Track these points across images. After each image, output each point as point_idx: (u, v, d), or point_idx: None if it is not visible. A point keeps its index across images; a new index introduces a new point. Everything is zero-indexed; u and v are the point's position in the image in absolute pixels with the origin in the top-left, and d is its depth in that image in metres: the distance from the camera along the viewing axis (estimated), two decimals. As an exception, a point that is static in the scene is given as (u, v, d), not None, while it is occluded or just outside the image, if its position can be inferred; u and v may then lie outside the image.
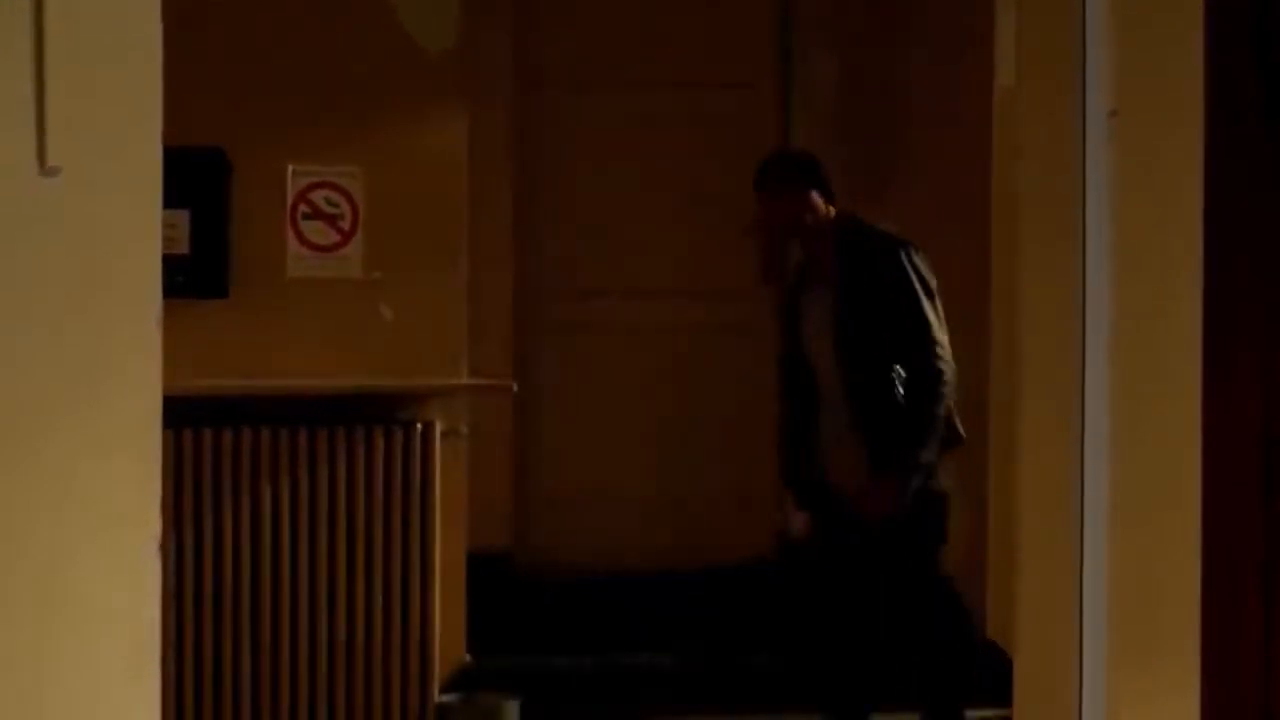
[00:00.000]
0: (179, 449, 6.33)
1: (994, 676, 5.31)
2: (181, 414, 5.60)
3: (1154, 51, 3.75)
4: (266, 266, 6.59)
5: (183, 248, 6.42)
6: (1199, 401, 3.70)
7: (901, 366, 5.94)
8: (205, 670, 6.44)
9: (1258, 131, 3.77)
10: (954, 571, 7.66)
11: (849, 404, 5.99)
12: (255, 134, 6.56)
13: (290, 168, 6.60)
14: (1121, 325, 3.77)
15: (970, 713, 6.25)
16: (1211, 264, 3.71)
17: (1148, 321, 3.75)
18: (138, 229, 2.81)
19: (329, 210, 6.63)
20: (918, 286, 5.96)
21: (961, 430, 6.09)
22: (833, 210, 6.12)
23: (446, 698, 6.64)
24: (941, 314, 6.00)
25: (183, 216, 6.44)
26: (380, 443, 6.54)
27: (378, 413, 6.61)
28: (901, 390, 5.92)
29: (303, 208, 6.61)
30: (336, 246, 6.64)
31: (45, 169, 2.59)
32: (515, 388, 7.19)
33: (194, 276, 6.47)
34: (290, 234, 6.61)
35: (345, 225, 6.64)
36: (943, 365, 5.94)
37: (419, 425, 6.59)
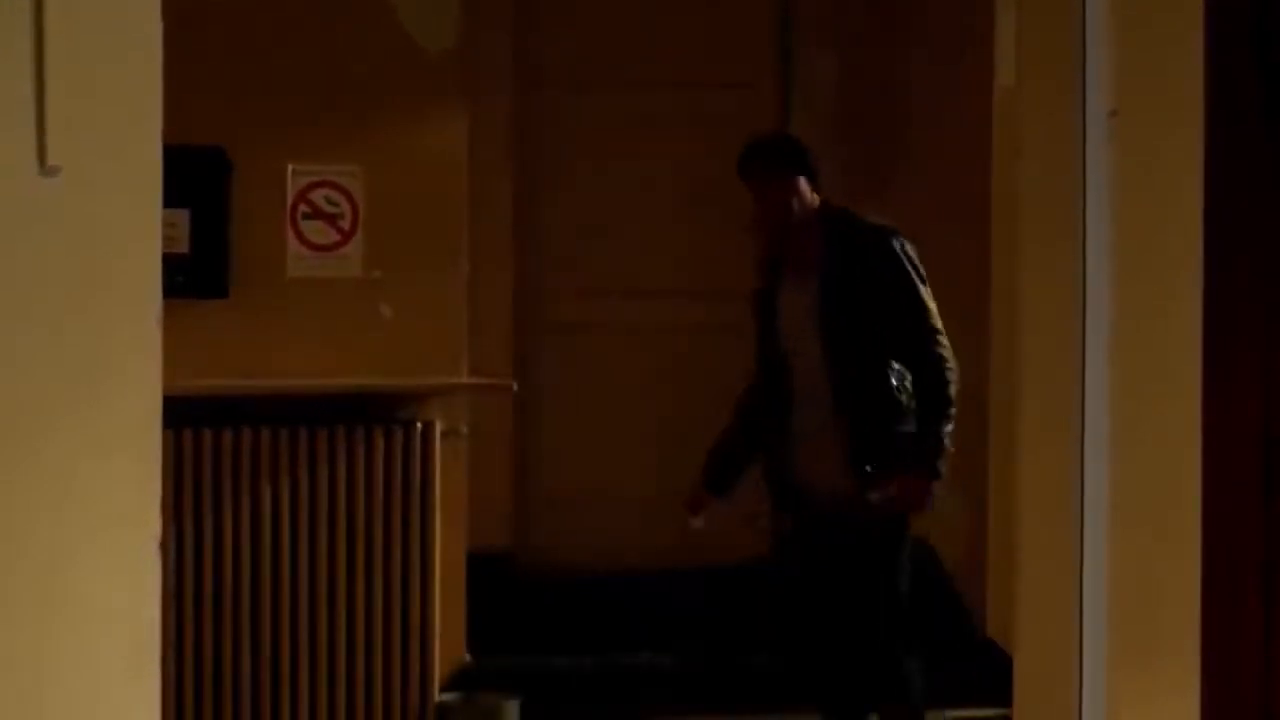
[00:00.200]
0: (179, 449, 6.33)
1: (994, 676, 5.31)
2: (181, 414, 5.60)
3: (1154, 51, 3.75)
4: (266, 266, 6.59)
5: (183, 247, 6.42)
6: (1199, 401, 3.70)
7: (901, 356, 5.88)
8: (205, 670, 6.44)
9: (1258, 131, 3.77)
10: (954, 571, 7.69)
11: (834, 398, 5.89)
12: (255, 134, 6.56)
13: (290, 167, 6.60)
14: (1121, 325, 3.77)
15: (970, 712, 6.25)
16: (1211, 264, 3.71)
17: (1148, 321, 3.75)
18: (138, 229, 2.81)
19: (329, 210, 6.63)
20: (914, 275, 5.90)
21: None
22: (817, 198, 6.01)
23: (446, 697, 6.64)
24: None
25: (183, 216, 6.44)
26: (380, 442, 6.54)
27: (378, 412, 6.61)
28: (896, 384, 5.86)
29: (303, 207, 6.62)
30: (336, 246, 6.64)
31: (45, 169, 2.59)
32: (515, 387, 7.19)
33: (194, 276, 6.47)
34: (290, 233, 6.61)
35: (345, 225, 6.64)
36: (944, 351, 5.89)
37: (419, 425, 6.59)
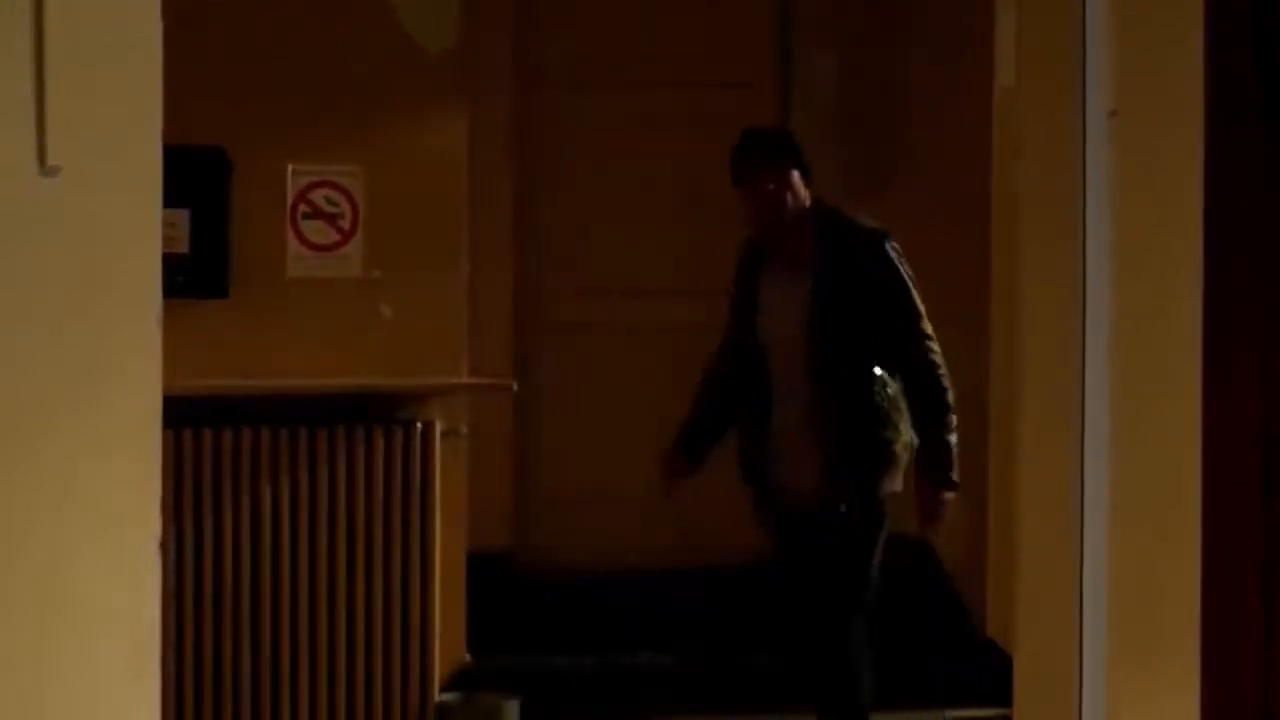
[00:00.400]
0: (179, 449, 6.32)
1: (994, 676, 5.31)
2: (181, 414, 5.59)
3: (1154, 51, 3.75)
4: (266, 266, 6.59)
5: (183, 247, 6.42)
6: (1199, 401, 3.70)
7: (890, 360, 5.83)
8: (205, 670, 6.44)
9: (1258, 131, 3.77)
10: (954, 571, 7.69)
11: (816, 398, 5.83)
12: (255, 134, 6.55)
13: (290, 167, 6.60)
14: (1121, 325, 3.77)
15: (970, 712, 6.25)
16: (1211, 264, 3.71)
17: (1148, 321, 3.75)
18: (138, 229, 2.81)
19: (329, 210, 6.63)
20: (907, 279, 5.86)
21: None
22: (809, 194, 5.95)
23: (446, 697, 6.64)
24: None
25: (183, 216, 6.44)
26: (380, 442, 6.54)
27: (378, 412, 6.61)
28: (879, 389, 5.81)
29: (303, 207, 6.62)
30: (336, 246, 6.64)
31: (45, 169, 2.59)
32: (515, 387, 7.19)
33: (194, 276, 6.47)
34: (290, 233, 6.61)
35: (345, 225, 6.64)
36: (937, 358, 5.85)
37: (419, 425, 6.59)
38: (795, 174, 5.92)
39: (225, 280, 6.56)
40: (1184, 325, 3.71)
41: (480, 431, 7.08)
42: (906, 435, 5.89)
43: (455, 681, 6.70)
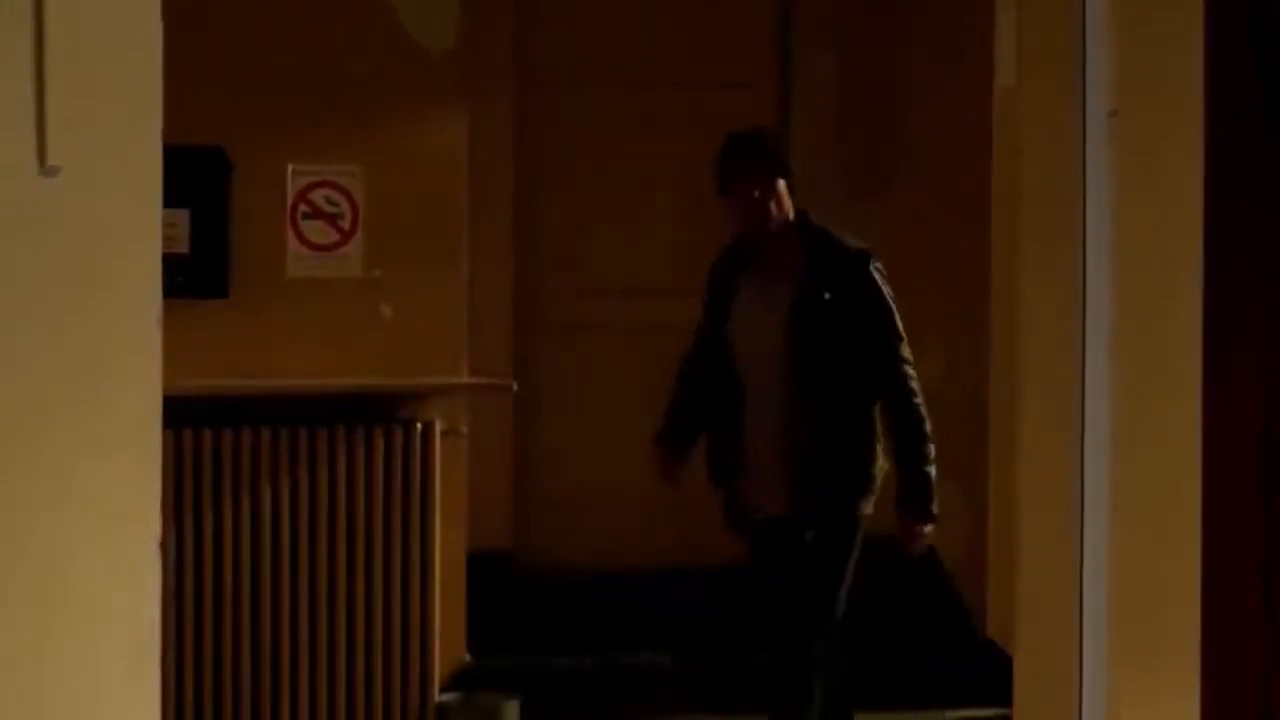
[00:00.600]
0: (179, 449, 6.33)
1: (994, 676, 5.31)
2: (181, 414, 5.60)
3: (1154, 51, 3.75)
4: (266, 266, 6.59)
5: (183, 247, 6.42)
6: (1199, 401, 3.70)
7: (867, 384, 5.71)
8: (205, 670, 6.44)
9: (1258, 131, 3.77)
10: (954, 571, 7.69)
11: (789, 415, 5.70)
12: (255, 134, 6.56)
13: (290, 167, 6.61)
14: (1121, 325, 3.77)
15: (970, 712, 6.25)
16: (1211, 264, 3.71)
17: (1148, 321, 3.75)
18: (138, 229, 2.81)
19: (329, 210, 6.63)
20: (891, 302, 5.72)
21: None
22: (792, 205, 5.81)
23: (446, 697, 6.64)
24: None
25: (183, 216, 6.44)
26: (380, 442, 6.55)
27: (378, 412, 6.61)
28: (856, 412, 5.70)
29: (303, 207, 6.62)
30: (336, 246, 6.64)
31: (45, 169, 2.59)
32: (515, 387, 7.19)
33: (194, 276, 6.47)
34: (290, 233, 6.61)
35: (345, 224, 6.64)
36: (914, 385, 5.72)
37: (419, 425, 6.59)
38: (781, 182, 5.80)
39: (225, 280, 6.57)
40: (1184, 325, 3.71)
41: (480, 431, 7.08)
42: (882, 460, 5.79)
43: (455, 681, 6.70)
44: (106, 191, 2.73)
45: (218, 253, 6.54)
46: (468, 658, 6.76)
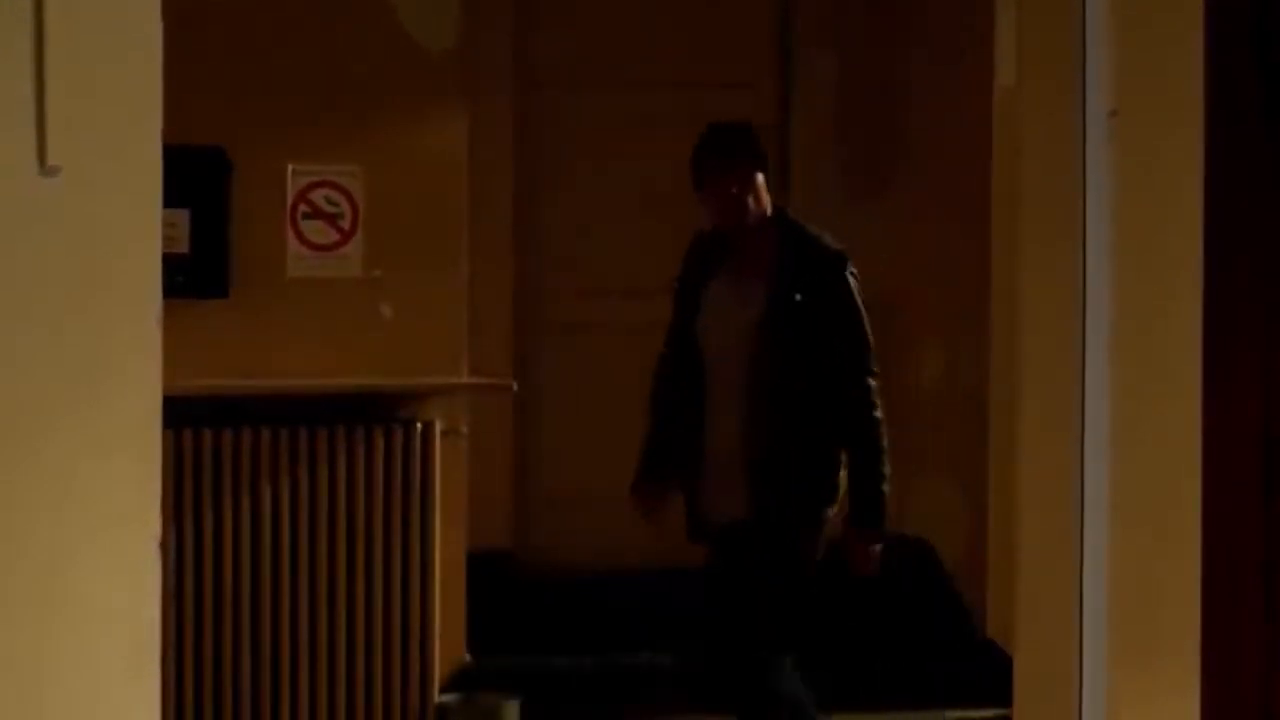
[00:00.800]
0: (179, 449, 6.33)
1: (994, 676, 5.31)
2: (181, 414, 5.59)
3: (1154, 51, 3.75)
4: (266, 266, 6.59)
5: (183, 247, 6.42)
6: (1199, 401, 3.70)
7: (830, 391, 5.56)
8: (205, 670, 6.44)
9: (1258, 131, 3.77)
10: (954, 571, 7.70)
11: (751, 418, 5.57)
12: (255, 134, 6.56)
13: (290, 167, 6.61)
14: (1121, 325, 3.77)
15: (970, 712, 6.25)
16: (1211, 264, 3.71)
17: (1148, 321, 3.75)
18: (138, 229, 2.81)
19: (329, 210, 6.63)
20: (862, 311, 5.59)
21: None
22: (770, 200, 5.70)
23: (446, 698, 6.64)
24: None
25: (183, 216, 6.44)
26: (380, 442, 6.55)
27: (378, 412, 6.61)
28: (818, 420, 5.55)
29: (303, 207, 6.62)
30: (336, 246, 6.64)
31: (45, 169, 2.59)
32: (515, 387, 7.19)
33: (194, 276, 6.47)
34: (290, 233, 6.61)
35: (345, 225, 6.64)
36: (876, 398, 5.57)
37: (419, 425, 6.59)
38: (759, 176, 5.68)
39: (225, 280, 6.57)
40: (1184, 325, 3.71)
41: (480, 431, 7.08)
42: (844, 473, 5.65)
43: (455, 682, 6.70)
44: (106, 191, 2.73)
45: (218, 253, 6.54)
46: (468, 658, 6.76)
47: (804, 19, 8.14)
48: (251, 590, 6.47)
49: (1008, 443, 5.71)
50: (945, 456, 7.70)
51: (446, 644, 6.64)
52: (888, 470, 5.61)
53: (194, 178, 6.37)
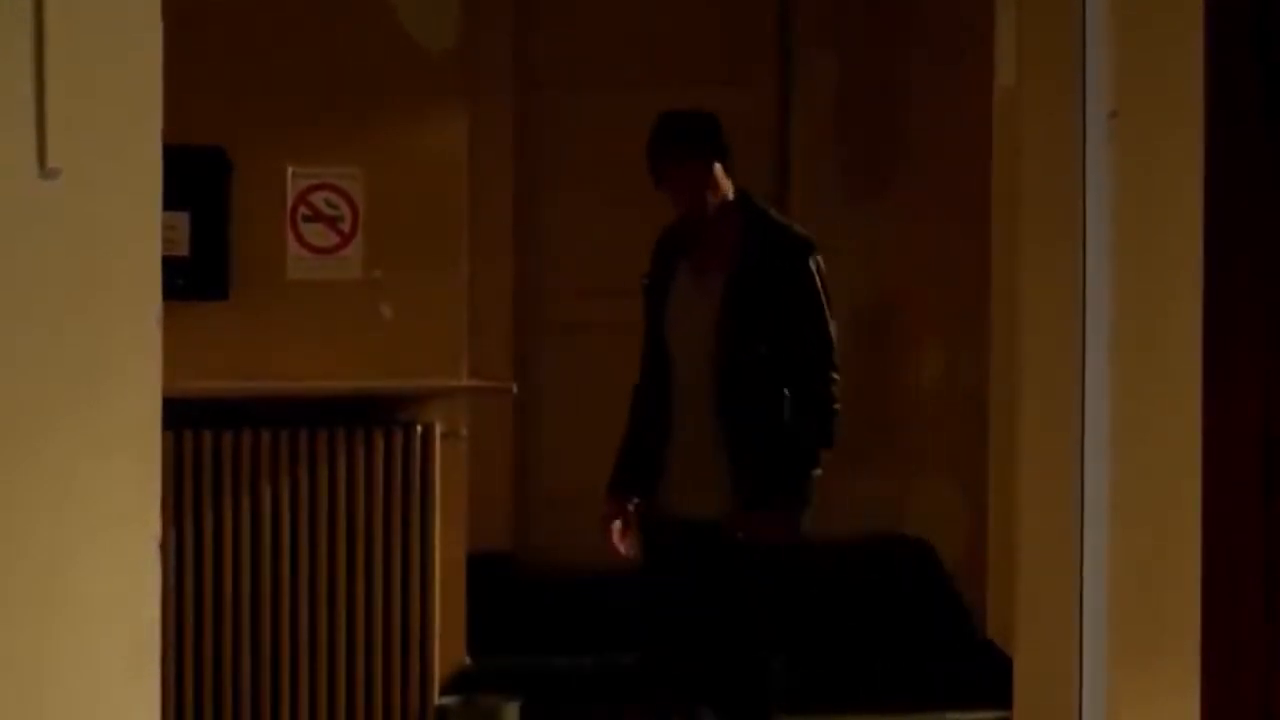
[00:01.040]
0: (179, 449, 6.33)
1: (994, 676, 5.31)
2: (181, 415, 5.60)
3: (1154, 51, 3.75)
4: (266, 267, 6.59)
5: (182, 249, 6.42)
6: (1199, 401, 3.70)
7: (793, 383, 5.43)
8: (205, 670, 6.44)
9: (1258, 131, 3.77)
10: (954, 571, 7.69)
11: (719, 414, 5.44)
12: (255, 134, 6.55)
13: (290, 170, 6.60)
14: (1121, 325, 3.78)
15: (970, 713, 6.24)
16: (1211, 264, 3.71)
17: (1148, 321, 3.75)
18: (138, 229, 2.81)
19: (329, 212, 6.63)
20: (824, 300, 5.47)
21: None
22: (731, 186, 5.56)
23: (446, 699, 6.64)
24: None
25: (183, 219, 6.44)
26: (380, 444, 6.54)
27: (378, 414, 6.61)
28: (785, 410, 5.41)
29: (303, 210, 6.61)
30: (336, 249, 6.64)
31: (45, 169, 2.59)
32: (515, 390, 7.19)
33: (194, 278, 6.46)
34: (290, 236, 6.61)
35: (345, 228, 6.64)
36: (835, 390, 5.46)
37: (419, 427, 6.59)
38: (718, 166, 5.55)
39: (225, 282, 6.56)
40: (1184, 325, 3.71)
41: (480, 432, 7.07)
42: (820, 468, 5.52)
43: (455, 683, 6.70)
44: (106, 192, 2.73)
45: (218, 254, 6.54)
46: (468, 659, 6.76)
47: (804, 19, 8.14)
48: (251, 591, 6.47)
49: (1008, 443, 5.71)
50: (945, 456, 7.70)
51: (446, 645, 6.64)
52: (818, 469, 5.47)
53: (194, 178, 6.37)
